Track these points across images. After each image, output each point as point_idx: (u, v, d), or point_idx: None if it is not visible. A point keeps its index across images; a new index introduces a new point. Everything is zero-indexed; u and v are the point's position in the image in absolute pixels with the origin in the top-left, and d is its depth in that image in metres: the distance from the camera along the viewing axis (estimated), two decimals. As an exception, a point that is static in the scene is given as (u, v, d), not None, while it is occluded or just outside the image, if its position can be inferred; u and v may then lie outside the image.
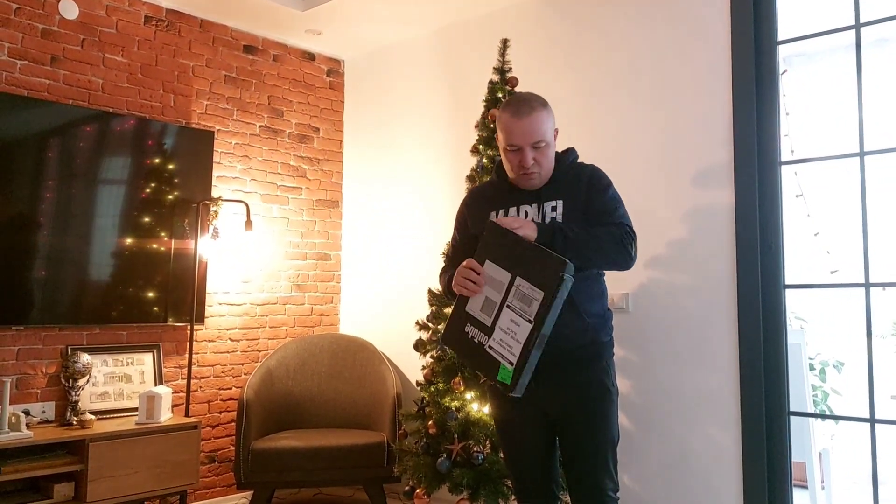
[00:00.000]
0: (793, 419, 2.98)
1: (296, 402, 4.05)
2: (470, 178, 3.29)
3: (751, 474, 2.96)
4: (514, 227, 2.10)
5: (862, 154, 2.86)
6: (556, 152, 2.35)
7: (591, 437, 2.23)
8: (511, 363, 1.98)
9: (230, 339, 4.16)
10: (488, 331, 2.07)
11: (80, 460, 3.15)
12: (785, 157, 3.08)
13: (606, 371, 2.28)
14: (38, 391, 3.43)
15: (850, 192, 3.57)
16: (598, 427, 2.24)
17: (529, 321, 1.98)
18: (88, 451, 3.14)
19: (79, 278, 3.53)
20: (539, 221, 2.21)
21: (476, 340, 2.09)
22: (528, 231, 2.10)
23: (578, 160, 2.40)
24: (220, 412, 4.08)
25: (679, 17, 3.30)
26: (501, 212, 2.32)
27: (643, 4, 3.41)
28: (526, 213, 2.28)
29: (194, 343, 3.95)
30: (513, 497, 2.92)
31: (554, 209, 2.26)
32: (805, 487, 3.79)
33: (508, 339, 2.02)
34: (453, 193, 4.02)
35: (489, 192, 2.43)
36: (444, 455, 2.95)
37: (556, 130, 2.32)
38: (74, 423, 3.31)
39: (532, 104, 2.25)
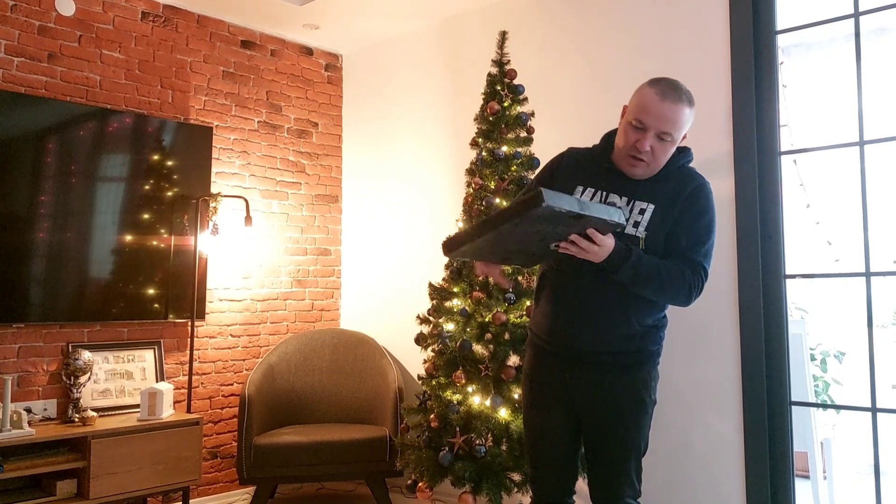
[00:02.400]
0: (794, 409, 2.98)
1: (297, 398, 4.05)
2: (469, 172, 3.28)
3: (752, 464, 2.96)
4: (595, 240, 1.96)
5: (861, 143, 2.85)
6: None
7: (616, 444, 2.19)
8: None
9: (231, 335, 4.16)
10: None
11: (83, 457, 3.15)
12: (784, 147, 3.07)
13: (646, 382, 2.20)
14: (40, 389, 3.43)
15: (850, 182, 3.56)
16: (623, 436, 2.18)
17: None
18: (90, 448, 3.15)
19: (79, 276, 3.53)
20: (624, 223, 2.07)
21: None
22: (602, 253, 1.98)
23: (691, 164, 2.25)
24: (222, 408, 4.08)
25: (677, 7, 3.28)
26: (589, 191, 2.19)
27: (641, -5, 3.41)
28: (614, 203, 2.15)
29: (195, 339, 3.95)
30: (515, 489, 2.93)
31: (642, 212, 2.12)
32: (807, 477, 3.79)
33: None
34: (453, 187, 4.02)
35: (585, 162, 2.27)
36: (446, 448, 2.95)
37: (685, 137, 2.17)
38: (76, 420, 3.31)
39: (682, 95, 2.10)
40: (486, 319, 3.06)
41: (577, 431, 2.27)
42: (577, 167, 2.27)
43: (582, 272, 2.15)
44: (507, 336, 3.01)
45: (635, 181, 2.17)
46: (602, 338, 2.16)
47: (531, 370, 2.35)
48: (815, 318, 4.98)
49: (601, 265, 2.04)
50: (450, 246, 2.06)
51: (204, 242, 3.94)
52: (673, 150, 2.14)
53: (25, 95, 3.41)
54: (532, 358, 2.36)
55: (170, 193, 3.83)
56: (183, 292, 3.84)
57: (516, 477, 2.93)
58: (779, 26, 3.05)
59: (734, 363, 3.04)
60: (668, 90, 2.09)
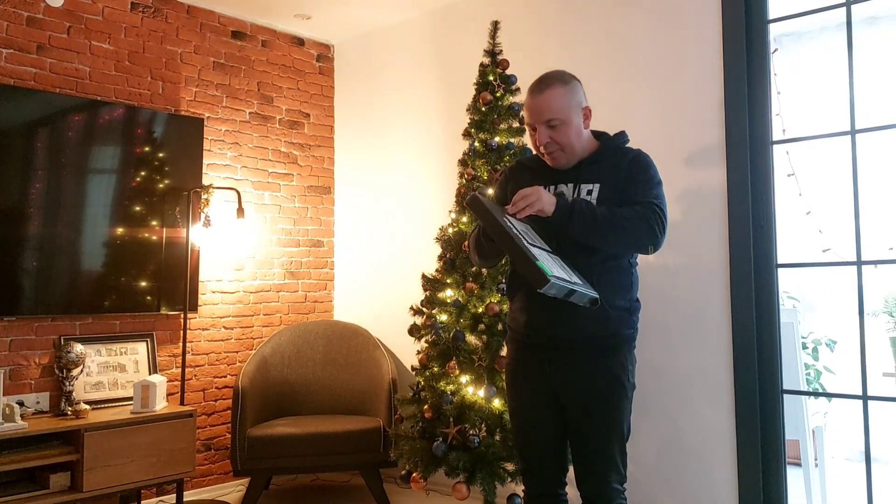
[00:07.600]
0: (786, 397, 3.00)
1: (291, 389, 4.05)
2: (462, 162, 3.28)
3: (745, 453, 2.98)
4: (531, 200, 2.07)
5: (853, 132, 2.86)
6: (605, 134, 2.33)
7: (597, 430, 2.21)
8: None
9: (224, 326, 4.15)
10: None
11: (76, 450, 3.15)
12: (776, 136, 3.07)
13: (623, 365, 2.24)
14: (32, 382, 3.42)
15: (842, 171, 3.57)
16: (604, 421, 2.21)
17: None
18: (84, 441, 3.14)
19: (71, 268, 3.52)
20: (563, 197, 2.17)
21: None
22: (546, 206, 2.08)
23: (628, 144, 2.36)
24: (216, 400, 4.08)
25: (670, -4, 3.28)
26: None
27: (633, -16, 3.40)
28: (562, 192, 2.24)
29: (188, 331, 3.94)
30: (509, 479, 2.94)
31: (590, 192, 2.22)
32: (799, 465, 3.81)
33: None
34: (445, 177, 4.01)
35: (534, 165, 2.40)
36: (440, 439, 2.96)
37: (588, 109, 2.27)
38: (69, 413, 3.30)
39: (549, 81, 2.22)
40: (480, 310, 3.06)
41: (564, 421, 2.29)
42: (526, 171, 2.40)
43: None
44: (500, 327, 3.02)
45: (578, 168, 2.28)
46: (576, 324, 2.19)
47: (513, 364, 2.39)
48: (807, 307, 5.00)
49: (554, 218, 2.10)
50: (473, 207, 2.11)
51: (196, 234, 3.92)
52: (573, 128, 2.23)
53: (14, 87, 3.39)
54: (512, 352, 2.40)
55: (161, 185, 3.81)
56: (175, 284, 3.83)
57: (510, 467, 2.94)
58: (771, 15, 3.05)
59: (726, 352, 3.05)
60: (534, 86, 2.25)
